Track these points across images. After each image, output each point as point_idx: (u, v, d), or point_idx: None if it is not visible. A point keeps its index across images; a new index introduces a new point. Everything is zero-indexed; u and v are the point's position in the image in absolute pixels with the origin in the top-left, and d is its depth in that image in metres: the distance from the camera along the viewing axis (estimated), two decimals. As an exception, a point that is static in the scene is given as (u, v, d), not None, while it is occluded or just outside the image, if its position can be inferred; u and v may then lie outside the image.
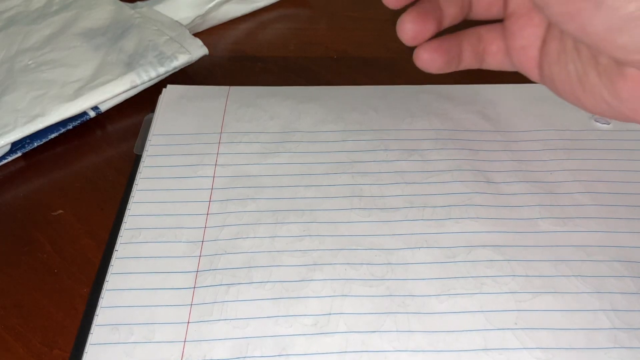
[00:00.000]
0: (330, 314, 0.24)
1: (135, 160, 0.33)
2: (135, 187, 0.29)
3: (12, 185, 0.33)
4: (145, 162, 0.31)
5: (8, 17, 0.41)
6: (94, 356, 0.23)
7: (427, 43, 0.25)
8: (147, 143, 0.32)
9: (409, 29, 0.24)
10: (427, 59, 0.25)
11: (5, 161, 0.34)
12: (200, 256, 0.27)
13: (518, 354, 0.23)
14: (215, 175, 0.30)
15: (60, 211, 0.31)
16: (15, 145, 0.34)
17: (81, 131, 0.36)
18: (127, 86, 0.36)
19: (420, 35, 0.25)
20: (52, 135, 0.35)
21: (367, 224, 0.28)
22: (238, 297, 0.25)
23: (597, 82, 0.20)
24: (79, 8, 0.41)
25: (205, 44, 0.39)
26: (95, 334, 0.24)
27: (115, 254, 0.26)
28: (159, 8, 0.41)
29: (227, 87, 0.36)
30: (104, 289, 0.25)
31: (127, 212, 0.28)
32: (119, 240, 0.27)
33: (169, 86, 0.35)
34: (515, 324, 0.24)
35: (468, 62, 0.26)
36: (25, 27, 0.40)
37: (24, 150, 0.34)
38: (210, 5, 0.42)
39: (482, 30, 0.25)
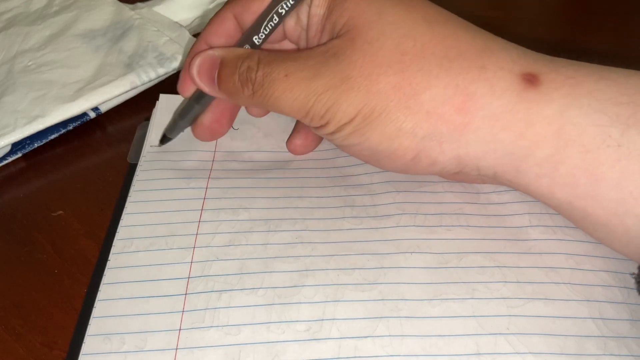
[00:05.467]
0: (322, 319, 0.24)
1: (129, 167, 0.33)
2: (128, 199, 0.30)
3: (12, 186, 0.34)
4: (139, 176, 0.31)
5: (8, 18, 0.41)
6: None
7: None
8: (142, 158, 0.32)
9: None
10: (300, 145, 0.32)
11: (5, 162, 0.34)
12: (191, 262, 0.27)
13: (510, 358, 0.23)
14: (208, 186, 0.30)
15: (60, 211, 0.31)
16: (16, 146, 0.34)
17: (81, 132, 0.36)
18: (127, 87, 0.36)
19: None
20: (52, 136, 0.35)
21: (359, 230, 0.28)
22: (230, 303, 0.25)
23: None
24: (79, 9, 0.41)
25: (205, 44, 0.39)
26: (88, 344, 0.24)
27: (107, 264, 0.27)
28: (159, 9, 0.41)
29: None
30: (96, 299, 0.25)
31: (120, 223, 0.28)
32: (112, 250, 0.27)
33: (161, 96, 0.35)
34: (507, 329, 0.24)
35: None
36: (25, 28, 0.40)
37: (24, 151, 0.35)
38: (210, 6, 0.42)
39: None
